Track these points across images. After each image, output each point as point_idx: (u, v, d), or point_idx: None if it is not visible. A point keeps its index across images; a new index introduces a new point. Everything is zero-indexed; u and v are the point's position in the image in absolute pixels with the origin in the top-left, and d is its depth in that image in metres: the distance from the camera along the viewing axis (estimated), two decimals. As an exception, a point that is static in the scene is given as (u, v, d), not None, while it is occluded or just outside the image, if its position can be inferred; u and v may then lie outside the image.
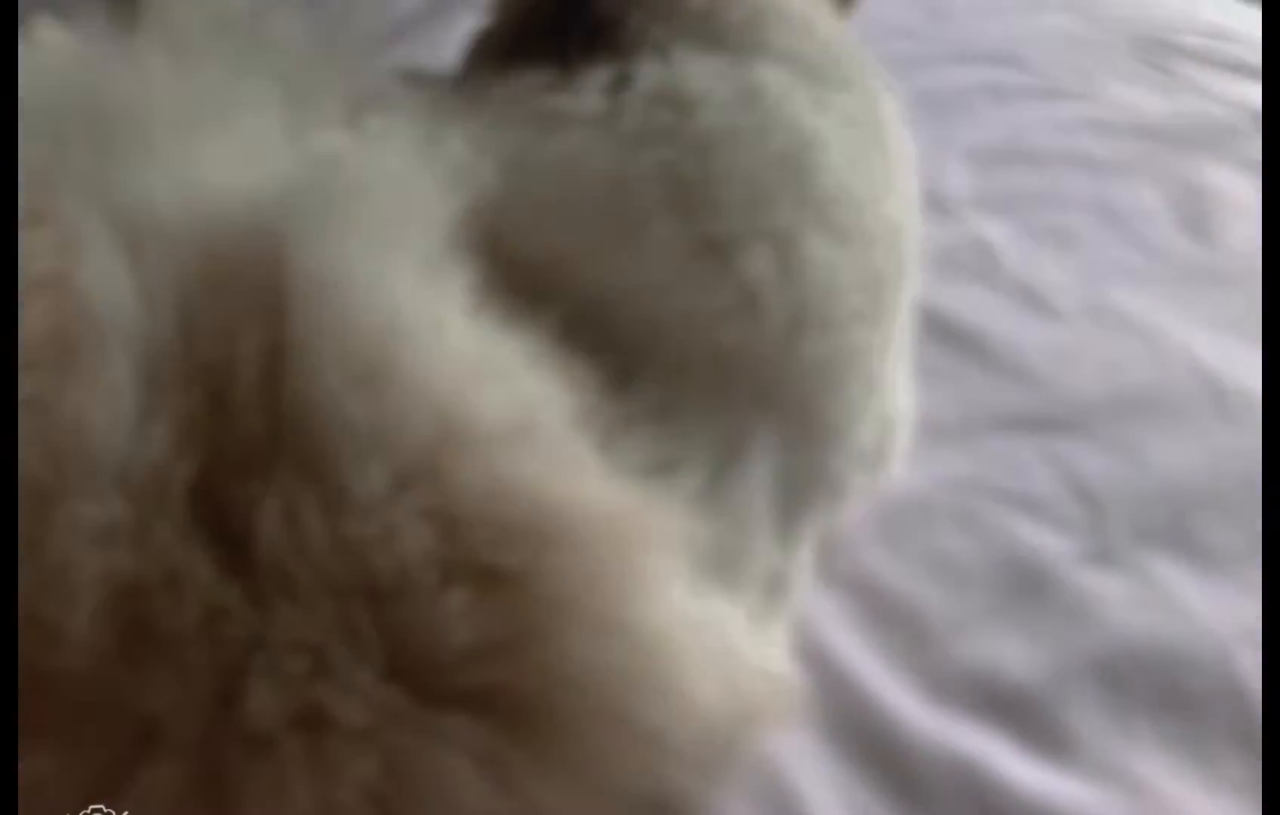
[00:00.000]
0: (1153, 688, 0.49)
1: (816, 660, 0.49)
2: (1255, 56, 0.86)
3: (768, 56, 0.51)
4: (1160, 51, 0.88)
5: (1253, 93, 0.82)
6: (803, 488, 0.47)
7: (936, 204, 0.72)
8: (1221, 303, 0.68)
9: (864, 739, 0.47)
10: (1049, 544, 0.54)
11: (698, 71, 0.50)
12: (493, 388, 0.37)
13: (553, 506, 0.36)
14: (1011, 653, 0.50)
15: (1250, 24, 0.92)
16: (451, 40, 0.64)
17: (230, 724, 0.33)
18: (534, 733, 0.35)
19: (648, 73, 0.49)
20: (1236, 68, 0.87)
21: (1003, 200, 0.73)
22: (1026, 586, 0.52)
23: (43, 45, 0.46)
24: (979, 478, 0.57)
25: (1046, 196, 0.74)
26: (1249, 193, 0.76)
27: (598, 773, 0.36)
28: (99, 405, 0.34)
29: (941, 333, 0.64)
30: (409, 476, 0.34)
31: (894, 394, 0.52)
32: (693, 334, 0.45)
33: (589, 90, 0.49)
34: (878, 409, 0.50)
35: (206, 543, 0.33)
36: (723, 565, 0.41)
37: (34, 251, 0.36)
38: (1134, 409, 0.61)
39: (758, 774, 0.45)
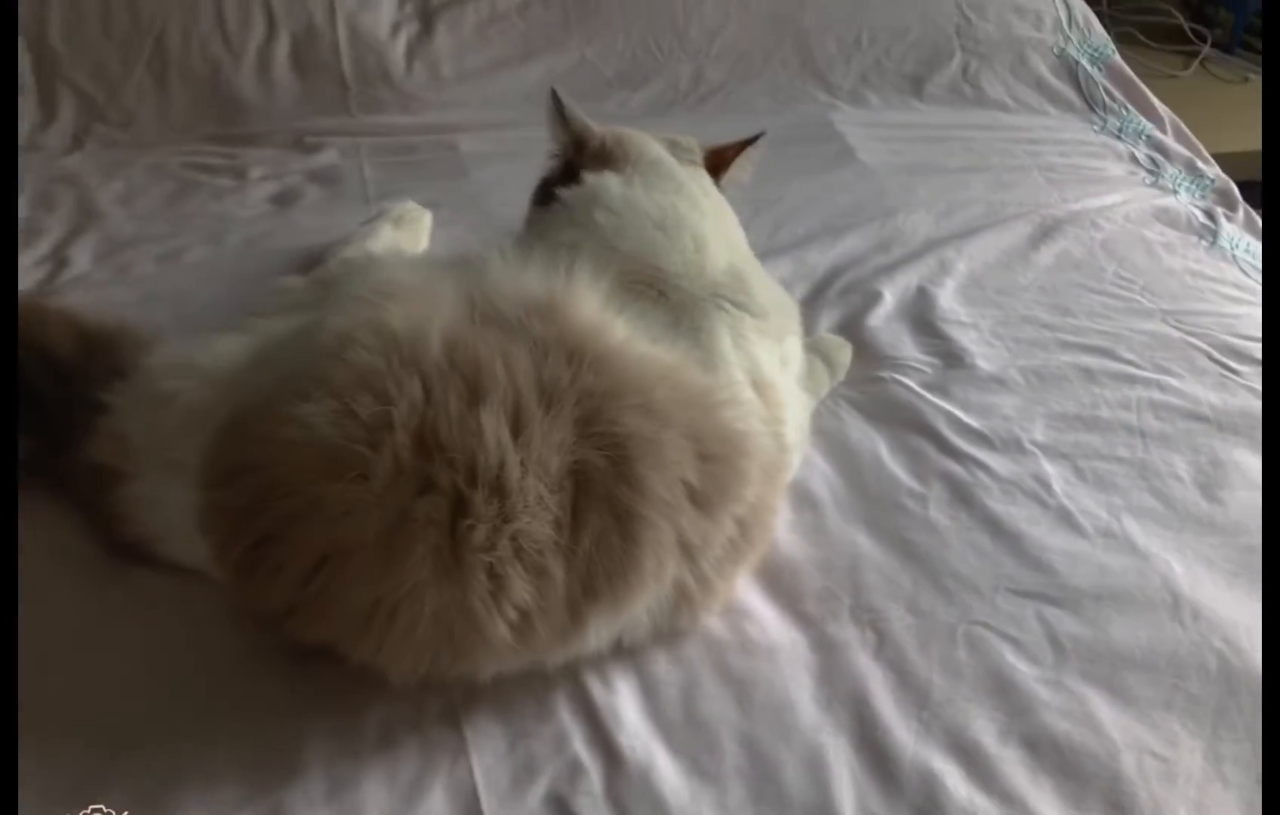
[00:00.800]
0: (1061, 763, 0.78)
1: (860, 703, 0.82)
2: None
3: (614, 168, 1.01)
4: (1233, 356, 1.14)
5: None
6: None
7: (1016, 445, 1.04)
8: (1207, 544, 0.95)
9: (877, 754, 0.79)
10: (1020, 668, 0.84)
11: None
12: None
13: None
14: (977, 722, 0.81)
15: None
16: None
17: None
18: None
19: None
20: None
21: (1067, 451, 1.03)
22: (998, 688, 0.83)
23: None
24: (991, 622, 0.88)
25: (1102, 453, 1.03)
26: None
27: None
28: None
29: (993, 529, 0.95)
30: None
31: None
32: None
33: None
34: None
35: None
36: None
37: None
38: (1110, 601, 0.89)
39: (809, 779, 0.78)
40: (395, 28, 1.50)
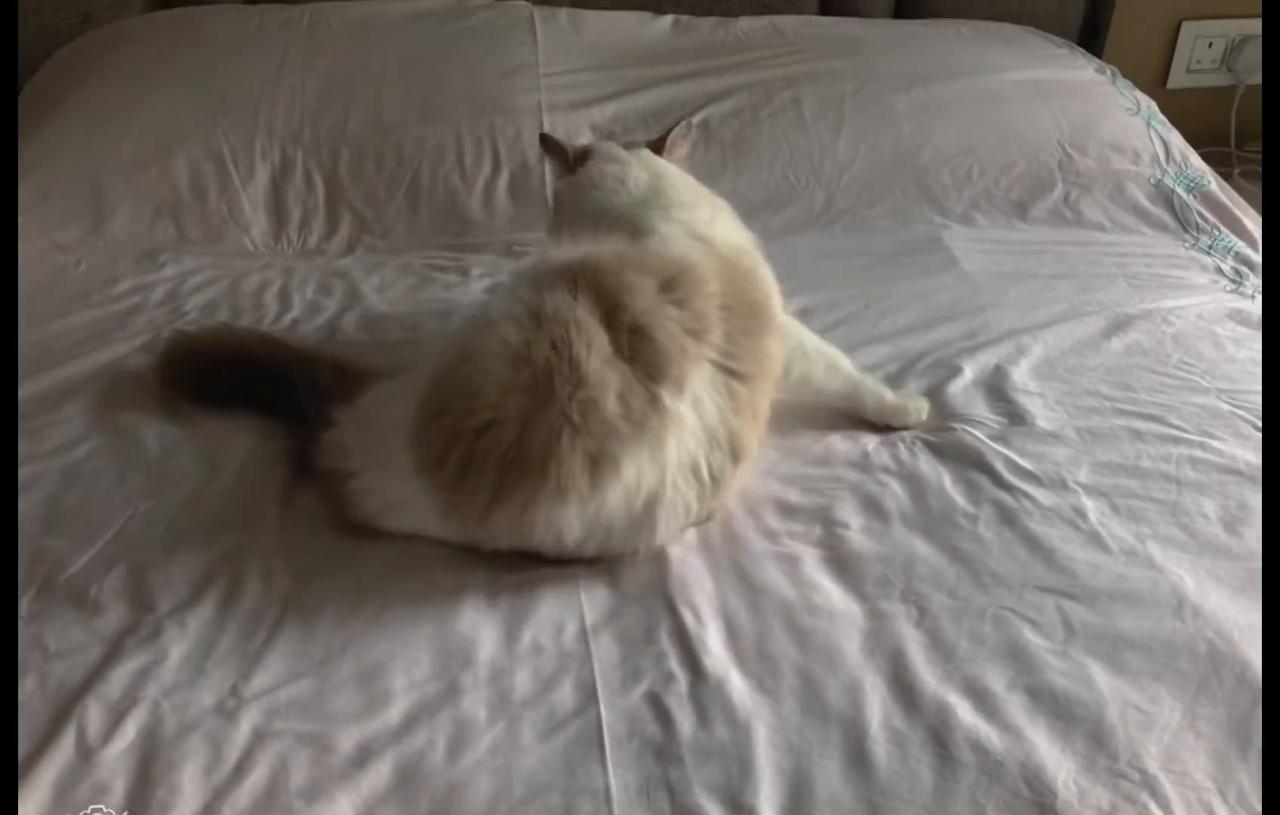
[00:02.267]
0: (1056, 707, 0.94)
1: (897, 655, 1.00)
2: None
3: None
4: (1277, 427, 1.26)
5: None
6: None
7: (1061, 484, 1.19)
8: (1221, 566, 1.07)
9: (904, 689, 0.97)
10: (1035, 641, 1.00)
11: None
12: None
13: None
14: (990, 675, 0.97)
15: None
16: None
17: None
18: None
19: None
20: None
21: (1107, 490, 1.18)
22: (1012, 653, 0.99)
23: None
24: (1016, 608, 1.04)
25: (1139, 493, 1.17)
26: (1287, 515, 1.13)
27: None
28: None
29: (1030, 544, 1.11)
30: None
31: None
32: None
33: None
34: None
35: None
36: None
37: None
38: (1122, 600, 1.04)
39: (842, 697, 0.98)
40: (588, 165, 1.84)
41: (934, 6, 2.26)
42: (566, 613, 1.05)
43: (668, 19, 2.14)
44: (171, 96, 1.83)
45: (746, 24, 2.12)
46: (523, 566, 1.10)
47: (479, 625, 1.05)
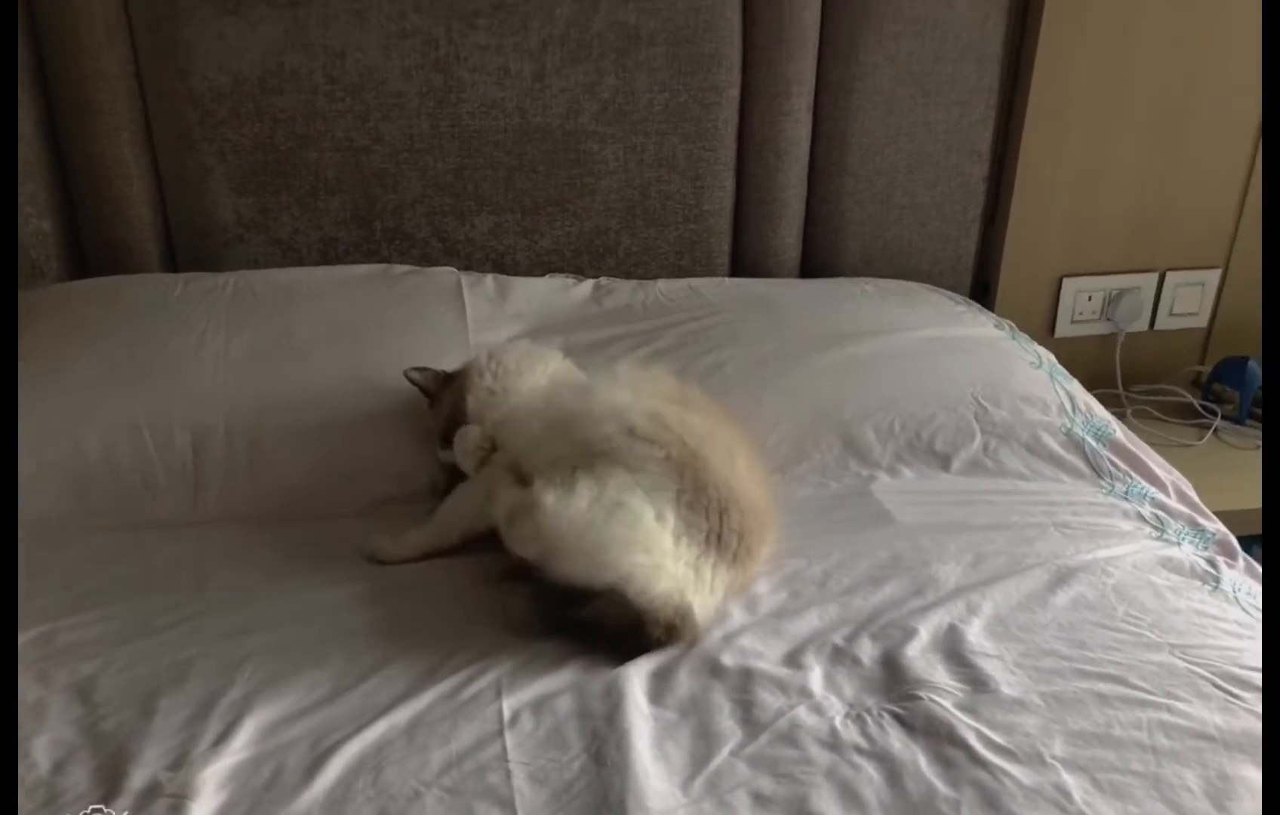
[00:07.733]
0: None
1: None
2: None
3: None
4: (1236, 683, 1.20)
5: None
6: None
7: (1038, 759, 1.10)
8: (1217, 846, 0.99)
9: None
10: None
11: None
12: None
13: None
14: None
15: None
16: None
17: None
18: None
19: None
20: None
21: (1085, 764, 1.09)
22: None
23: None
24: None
25: (1118, 766, 1.08)
26: (1268, 784, 1.06)
27: None
28: None
29: (1017, 829, 1.01)
30: None
31: None
32: None
33: None
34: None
35: None
36: None
37: None
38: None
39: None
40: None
41: (837, 267, 2.32)
42: None
43: (589, 283, 2.14)
44: (85, 367, 1.70)
45: (665, 286, 2.13)
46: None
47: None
